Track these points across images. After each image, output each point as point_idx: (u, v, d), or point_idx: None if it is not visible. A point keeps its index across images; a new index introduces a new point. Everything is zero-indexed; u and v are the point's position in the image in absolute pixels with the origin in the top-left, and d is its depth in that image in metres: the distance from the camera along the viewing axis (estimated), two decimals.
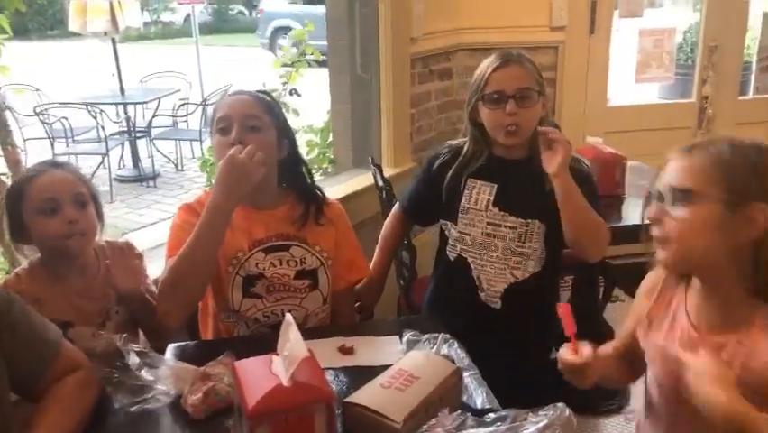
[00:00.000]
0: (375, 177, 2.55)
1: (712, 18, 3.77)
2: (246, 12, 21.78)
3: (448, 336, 1.51)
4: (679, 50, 4.47)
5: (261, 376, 1.12)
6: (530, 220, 1.80)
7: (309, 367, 1.13)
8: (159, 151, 6.73)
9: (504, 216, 1.81)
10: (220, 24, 19.45)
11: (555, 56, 3.60)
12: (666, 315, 1.27)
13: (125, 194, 6.07)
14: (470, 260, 1.86)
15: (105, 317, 1.56)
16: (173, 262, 1.50)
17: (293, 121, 3.39)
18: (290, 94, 3.57)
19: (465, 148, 1.87)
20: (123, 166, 6.64)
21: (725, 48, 3.75)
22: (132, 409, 1.27)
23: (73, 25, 6.01)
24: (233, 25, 19.90)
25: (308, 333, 1.34)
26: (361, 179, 2.96)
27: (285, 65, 3.51)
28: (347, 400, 1.21)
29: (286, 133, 1.69)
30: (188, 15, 18.33)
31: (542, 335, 1.88)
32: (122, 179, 6.41)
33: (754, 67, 3.92)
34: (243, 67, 11.52)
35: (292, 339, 1.12)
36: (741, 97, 3.90)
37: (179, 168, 6.80)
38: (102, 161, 6.04)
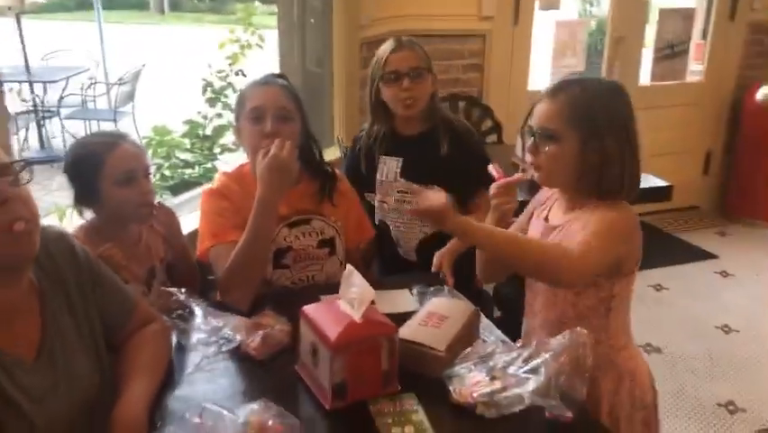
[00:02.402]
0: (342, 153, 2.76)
1: (617, 11, 4.21)
2: None
3: (449, 287, 1.76)
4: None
5: (333, 316, 1.31)
6: (430, 185, 2.05)
7: (370, 307, 1.34)
8: (66, 131, 6.52)
9: (409, 184, 2.09)
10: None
11: (483, 44, 3.91)
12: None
13: (37, 176, 5.84)
14: (388, 222, 2.20)
15: (152, 276, 1.69)
16: (234, 257, 1.63)
17: None
18: (236, 75, 3.66)
19: (374, 128, 2.18)
20: (28, 148, 6.38)
21: (628, 39, 4.20)
22: (199, 351, 1.43)
23: None
24: (116, 1, 19.07)
25: (328, 289, 1.54)
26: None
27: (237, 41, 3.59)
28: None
29: (305, 119, 1.85)
30: None
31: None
32: (29, 162, 6.15)
33: (651, 56, 4.39)
34: (141, 44, 11.18)
35: (358, 283, 1.32)
36: (641, 84, 4.38)
37: None
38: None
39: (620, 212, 1.47)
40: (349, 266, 1.37)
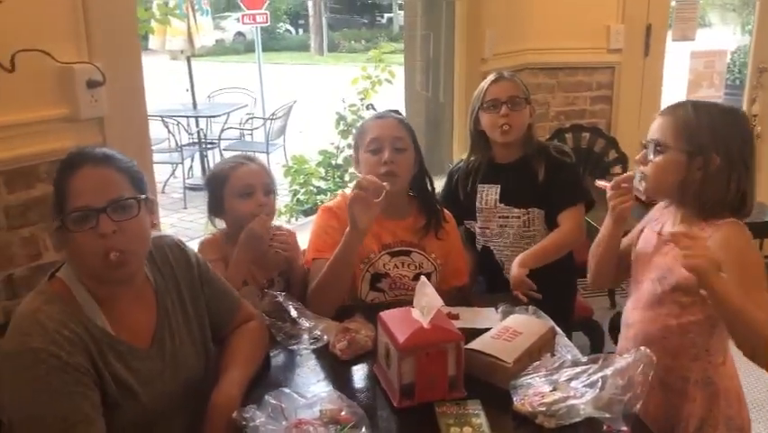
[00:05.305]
0: None
1: (762, 41, 4.02)
2: (293, 30, 22.45)
3: (535, 306, 1.82)
4: (727, 70, 4.71)
5: (405, 321, 1.44)
6: (530, 209, 2.21)
7: (441, 316, 1.45)
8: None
9: (509, 209, 2.22)
10: (268, 42, 20.09)
11: (612, 75, 3.89)
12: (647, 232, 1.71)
13: (197, 201, 6.49)
14: (492, 247, 2.28)
15: (270, 284, 1.89)
16: (321, 276, 1.79)
17: None
18: (366, 108, 3.91)
19: (471, 159, 2.29)
20: (192, 176, 7.07)
21: None
22: (293, 348, 1.61)
23: (153, 43, 6.48)
24: (281, 43, 20.53)
25: None
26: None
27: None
28: (467, 346, 1.52)
29: (418, 151, 2.00)
30: (237, 33, 19.29)
31: (560, 298, 2.20)
32: (192, 188, 6.84)
33: None
34: (298, 83, 12.02)
35: (429, 293, 1.44)
36: None
37: None
38: (173, 171, 6.56)
39: (739, 239, 1.50)
40: (422, 278, 1.49)
